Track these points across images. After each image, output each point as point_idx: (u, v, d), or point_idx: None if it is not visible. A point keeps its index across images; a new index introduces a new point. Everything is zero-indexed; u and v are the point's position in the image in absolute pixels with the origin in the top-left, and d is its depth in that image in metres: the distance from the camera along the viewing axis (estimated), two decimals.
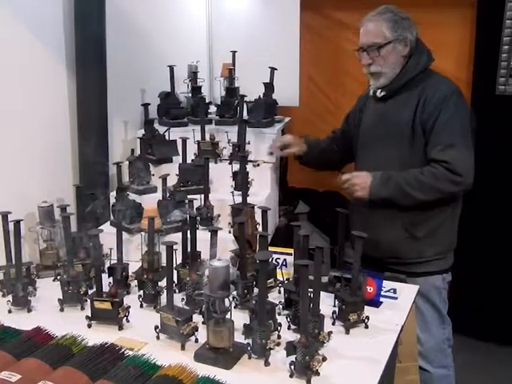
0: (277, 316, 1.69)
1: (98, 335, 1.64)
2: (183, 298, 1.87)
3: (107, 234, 2.07)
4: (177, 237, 2.02)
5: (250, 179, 2.36)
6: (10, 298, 1.87)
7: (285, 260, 2.06)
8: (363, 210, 2.31)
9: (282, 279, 1.97)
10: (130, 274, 2.02)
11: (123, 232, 2.09)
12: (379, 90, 2.34)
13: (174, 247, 1.72)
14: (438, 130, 2.17)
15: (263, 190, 2.52)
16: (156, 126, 2.75)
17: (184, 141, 2.48)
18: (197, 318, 1.70)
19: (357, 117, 2.53)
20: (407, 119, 2.23)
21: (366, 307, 1.77)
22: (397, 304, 1.89)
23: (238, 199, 2.29)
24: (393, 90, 2.30)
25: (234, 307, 1.78)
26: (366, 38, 2.28)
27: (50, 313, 1.85)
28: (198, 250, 1.96)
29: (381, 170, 2.24)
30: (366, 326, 1.74)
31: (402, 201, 2.20)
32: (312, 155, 2.67)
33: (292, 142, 2.65)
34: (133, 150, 2.62)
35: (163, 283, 1.80)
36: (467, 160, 2.16)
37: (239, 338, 1.59)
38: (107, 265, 2.06)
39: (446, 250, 2.35)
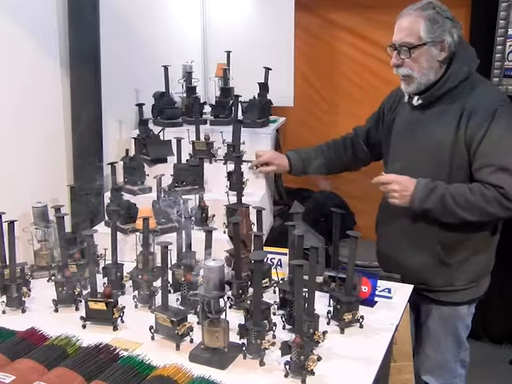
0: (272, 316, 1.69)
1: (92, 336, 1.64)
2: (178, 299, 1.87)
3: (102, 234, 2.06)
4: (172, 237, 2.02)
5: (244, 179, 2.35)
6: (4, 298, 1.87)
7: (280, 260, 2.06)
8: (391, 230, 2.18)
9: (276, 279, 1.97)
10: (124, 274, 2.01)
11: (118, 232, 2.09)
12: (416, 97, 2.11)
13: (169, 247, 1.72)
14: (487, 149, 1.95)
15: (258, 190, 2.52)
16: (150, 126, 2.75)
17: (178, 141, 2.48)
18: (192, 319, 1.70)
19: (388, 116, 2.31)
20: (448, 133, 2.01)
21: (360, 307, 1.77)
22: (391, 303, 1.90)
23: (233, 199, 2.29)
24: (431, 98, 2.07)
25: (229, 307, 1.78)
26: (398, 36, 2.04)
27: (45, 313, 1.84)
28: (192, 250, 1.96)
29: None
30: (361, 326, 1.74)
31: (443, 216, 2.00)
32: (309, 169, 2.47)
33: (271, 158, 2.47)
34: (127, 150, 2.62)
35: (158, 283, 1.80)
36: None
37: (234, 338, 1.59)
38: (102, 265, 2.06)
39: (478, 278, 2.17)
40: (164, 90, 2.82)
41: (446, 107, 2.05)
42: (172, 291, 1.94)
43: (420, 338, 2.27)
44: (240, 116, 2.73)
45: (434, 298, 2.17)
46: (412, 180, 2.02)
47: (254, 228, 2.09)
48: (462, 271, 2.11)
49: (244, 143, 2.57)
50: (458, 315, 2.19)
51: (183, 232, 1.94)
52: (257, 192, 2.49)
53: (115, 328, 1.73)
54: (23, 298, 1.87)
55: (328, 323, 1.76)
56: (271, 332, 1.63)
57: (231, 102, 2.77)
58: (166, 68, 2.79)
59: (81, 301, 1.84)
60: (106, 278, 2.01)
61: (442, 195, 1.97)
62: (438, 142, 2.03)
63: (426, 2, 2.02)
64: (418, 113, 2.13)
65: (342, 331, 1.72)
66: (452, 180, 2.02)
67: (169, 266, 1.81)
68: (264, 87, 2.76)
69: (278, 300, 1.84)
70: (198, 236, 2.01)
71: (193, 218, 2.20)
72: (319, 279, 1.94)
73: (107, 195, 2.44)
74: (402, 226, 2.15)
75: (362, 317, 1.75)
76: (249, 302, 1.74)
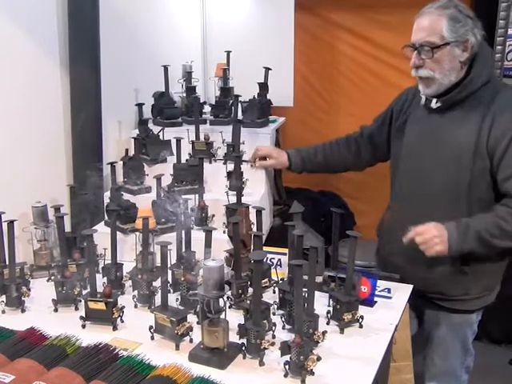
0: (271, 316, 1.69)
1: (92, 335, 1.64)
2: (178, 298, 1.87)
3: (101, 234, 2.06)
4: (171, 237, 2.02)
5: (244, 179, 2.36)
6: (3, 298, 1.86)
7: (279, 260, 2.06)
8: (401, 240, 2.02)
9: (276, 279, 1.97)
10: (124, 274, 2.01)
11: (117, 232, 2.09)
12: (434, 100, 2.01)
13: (169, 247, 1.72)
14: (511, 160, 1.89)
15: (258, 189, 2.52)
16: (150, 125, 2.75)
17: (178, 141, 2.48)
18: (191, 318, 1.70)
19: (399, 118, 2.22)
20: (468, 140, 1.94)
21: (360, 307, 1.77)
22: (391, 303, 1.90)
23: (233, 199, 2.28)
24: (451, 102, 1.98)
25: (229, 307, 1.78)
26: (418, 35, 1.93)
27: (44, 313, 1.84)
28: (192, 250, 1.96)
29: (430, 192, 2.02)
30: (361, 326, 1.74)
31: (484, 251, 1.93)
32: (309, 166, 2.46)
33: (271, 153, 2.45)
34: (127, 150, 2.61)
35: (158, 283, 1.80)
36: None
37: (234, 337, 1.59)
38: (101, 265, 2.06)
39: (493, 286, 2.14)
40: (164, 90, 2.82)
41: (467, 111, 1.97)
42: (172, 291, 1.94)
43: (427, 344, 2.24)
44: (240, 116, 2.73)
45: (446, 306, 2.12)
46: (440, 225, 1.92)
47: (254, 228, 2.10)
48: (478, 279, 2.06)
49: (244, 143, 2.57)
50: (469, 323, 2.17)
51: (183, 232, 1.94)
52: (256, 192, 2.49)
53: (115, 328, 1.73)
54: (23, 298, 1.87)
55: (328, 323, 1.76)
56: (271, 332, 1.63)
57: (231, 101, 2.77)
58: (165, 68, 2.79)
59: (80, 300, 1.84)
60: (105, 278, 2.01)
61: (476, 232, 1.90)
62: (460, 147, 1.96)
63: (447, 0, 1.94)
64: (437, 116, 2.04)
65: (342, 331, 1.72)
66: (473, 186, 1.97)
67: (168, 265, 1.81)
68: (264, 87, 2.76)
69: (277, 300, 1.84)
70: (197, 236, 2.01)
71: (192, 218, 2.20)
72: (319, 279, 1.94)
73: (107, 195, 2.44)
74: (414, 246, 1.99)
75: (362, 317, 1.75)
76: (248, 301, 1.74)
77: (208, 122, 2.78)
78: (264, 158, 2.47)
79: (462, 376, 2.25)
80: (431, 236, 1.90)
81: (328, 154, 2.45)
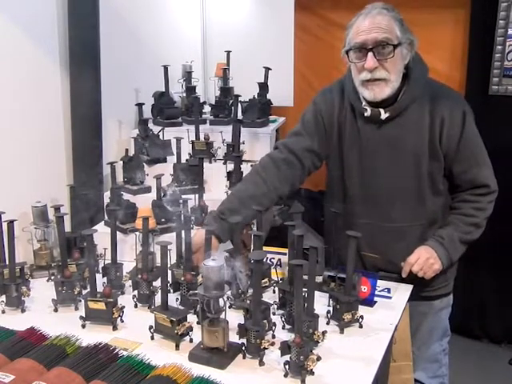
0: (271, 316, 1.69)
1: (92, 335, 1.64)
2: (178, 298, 1.87)
3: (101, 233, 2.07)
4: (171, 237, 2.02)
5: None
6: (3, 298, 1.86)
7: (279, 260, 2.06)
8: (367, 227, 2.04)
9: (276, 279, 1.97)
10: (124, 274, 2.01)
11: (117, 232, 2.09)
12: (382, 111, 1.93)
13: (169, 247, 1.72)
14: (466, 152, 1.97)
15: None
16: (150, 125, 2.75)
17: (178, 141, 2.48)
18: (191, 318, 1.70)
19: (330, 130, 2.09)
20: (423, 144, 1.96)
21: (360, 307, 1.77)
22: (391, 303, 1.90)
23: None
24: (399, 109, 1.94)
25: (229, 307, 1.78)
26: (375, 34, 1.83)
27: (44, 313, 1.84)
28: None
29: (397, 200, 2.02)
30: (361, 326, 1.74)
31: (469, 246, 2.05)
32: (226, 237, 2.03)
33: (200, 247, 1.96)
34: (127, 150, 2.62)
35: (158, 283, 1.80)
36: (492, 171, 2.03)
37: (234, 337, 1.59)
38: (101, 265, 2.06)
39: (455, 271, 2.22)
40: (164, 90, 2.82)
41: (414, 116, 1.95)
42: (172, 291, 1.94)
43: (413, 337, 2.24)
44: (240, 116, 2.73)
45: (427, 295, 2.14)
46: (424, 247, 1.99)
47: (254, 228, 2.09)
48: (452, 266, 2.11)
49: (244, 143, 2.58)
50: (448, 304, 2.23)
51: (183, 232, 1.94)
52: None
53: (115, 328, 1.73)
54: (23, 298, 1.87)
55: (327, 323, 1.76)
56: (271, 332, 1.63)
57: (231, 101, 2.78)
58: (165, 68, 2.79)
59: (80, 300, 1.84)
60: (105, 278, 2.01)
61: (459, 239, 2.01)
62: (416, 152, 1.97)
63: (382, 4, 1.90)
64: (388, 126, 1.97)
65: (342, 331, 1.72)
66: (433, 186, 2.02)
67: (168, 265, 1.81)
68: (264, 87, 2.77)
69: (277, 300, 1.84)
70: None
71: (192, 218, 2.20)
72: (319, 279, 1.94)
73: (107, 195, 2.44)
74: (380, 234, 2.07)
75: (362, 317, 1.75)
76: (248, 301, 1.74)
77: (208, 121, 2.78)
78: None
79: (443, 359, 2.29)
80: (425, 259, 1.96)
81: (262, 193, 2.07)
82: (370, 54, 1.84)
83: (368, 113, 1.96)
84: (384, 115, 1.94)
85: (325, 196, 2.31)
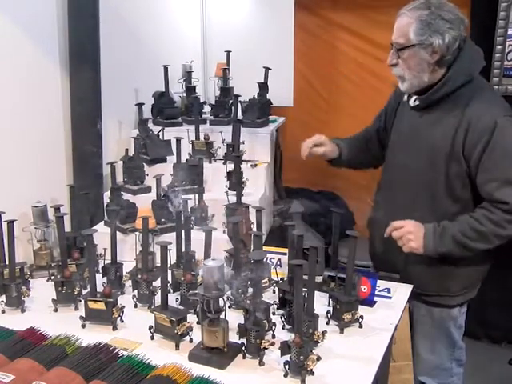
0: (271, 316, 1.69)
1: (91, 335, 1.64)
2: (177, 298, 1.87)
3: (101, 233, 2.06)
4: (171, 237, 2.02)
5: (244, 179, 2.35)
6: (3, 298, 1.86)
7: (279, 260, 2.06)
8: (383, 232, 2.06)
9: (276, 279, 1.97)
10: (124, 274, 2.02)
11: (117, 232, 2.09)
12: (413, 98, 2.06)
13: (169, 247, 1.72)
14: (490, 163, 1.90)
15: (258, 189, 2.52)
16: (150, 125, 2.75)
17: (178, 140, 2.48)
18: (191, 318, 1.70)
19: (392, 116, 2.27)
20: (443, 143, 1.97)
21: (360, 307, 1.77)
22: (391, 303, 1.90)
23: (233, 199, 2.29)
24: (428, 101, 2.01)
25: (229, 307, 1.78)
26: (393, 35, 2.00)
27: (44, 313, 1.84)
28: (192, 249, 1.96)
29: (408, 190, 2.07)
30: (361, 326, 1.74)
31: (461, 253, 1.97)
32: (344, 158, 2.39)
33: (324, 141, 2.35)
34: (127, 150, 2.62)
35: (157, 283, 1.80)
36: None
37: (233, 337, 1.59)
38: (101, 265, 2.06)
39: (475, 283, 2.16)
40: (164, 90, 2.82)
41: (443, 114, 1.99)
42: (171, 291, 1.93)
43: (413, 339, 2.24)
44: (240, 116, 2.73)
45: (427, 300, 2.15)
46: (418, 224, 1.98)
47: (254, 228, 2.09)
48: (457, 279, 2.09)
49: (243, 143, 2.57)
50: (451, 317, 2.18)
51: (183, 232, 1.94)
52: (256, 192, 2.49)
53: (114, 328, 1.73)
54: (23, 298, 1.87)
55: (327, 323, 1.76)
56: (270, 332, 1.63)
57: (231, 101, 2.77)
58: (165, 68, 2.79)
59: (80, 300, 1.84)
60: (105, 278, 2.01)
61: (452, 236, 1.94)
62: (435, 149, 1.99)
63: (424, 1, 1.94)
64: (416, 116, 2.08)
65: (342, 331, 1.72)
66: (450, 189, 2.00)
67: (168, 265, 1.81)
68: (264, 87, 2.76)
69: (277, 300, 1.84)
70: (197, 236, 2.01)
71: (192, 218, 2.20)
72: (319, 279, 1.94)
73: (107, 195, 2.44)
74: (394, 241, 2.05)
75: (362, 317, 1.75)
76: (248, 301, 1.74)
77: (208, 121, 2.78)
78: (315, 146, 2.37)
79: (454, 369, 2.26)
80: (405, 232, 1.97)
81: (356, 149, 2.42)
82: (392, 51, 2.02)
83: (405, 97, 2.13)
84: (413, 103, 2.07)
85: None
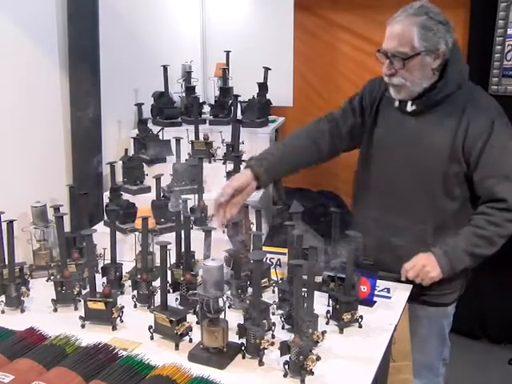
0: (271, 316, 1.69)
1: (91, 335, 1.64)
2: (177, 298, 1.87)
3: (101, 234, 2.06)
4: (171, 237, 2.02)
5: None
6: (3, 298, 1.86)
7: (279, 260, 2.06)
8: (379, 232, 2.08)
9: (276, 279, 1.97)
10: (123, 274, 2.01)
11: (117, 232, 2.09)
12: (409, 103, 2.01)
13: (168, 247, 1.72)
14: (489, 160, 1.91)
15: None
16: (150, 125, 2.75)
17: (178, 140, 2.48)
18: (191, 318, 1.70)
19: (372, 112, 2.16)
20: (444, 144, 1.96)
21: (359, 306, 1.77)
22: (390, 303, 1.90)
23: None
24: (426, 104, 1.98)
25: (228, 307, 1.78)
26: (390, 44, 1.91)
27: (44, 313, 1.84)
28: (191, 249, 1.96)
29: (405, 195, 2.04)
30: (360, 326, 1.74)
31: (475, 264, 1.97)
32: (269, 180, 2.18)
33: (239, 187, 2.07)
34: (126, 150, 2.62)
35: (157, 283, 1.80)
36: None
37: (233, 337, 1.59)
38: (101, 265, 2.05)
39: (466, 279, 2.17)
40: (163, 90, 2.82)
41: (441, 115, 1.98)
42: (171, 291, 1.93)
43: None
44: (239, 116, 2.73)
45: (421, 299, 2.11)
46: (425, 254, 1.96)
47: (253, 228, 2.09)
48: (451, 279, 2.05)
49: (243, 143, 2.57)
50: (445, 315, 2.19)
51: (182, 232, 1.94)
52: (256, 192, 2.48)
53: (114, 328, 1.73)
54: (22, 298, 1.87)
55: (327, 323, 1.76)
56: (270, 332, 1.63)
57: (230, 101, 2.78)
58: (165, 68, 2.79)
59: (80, 300, 1.84)
60: (105, 278, 2.00)
61: (464, 250, 1.94)
62: (435, 150, 1.98)
63: (418, 6, 1.90)
64: (412, 119, 2.03)
65: (341, 331, 1.72)
66: (448, 188, 2.00)
67: (168, 265, 1.81)
68: (263, 87, 2.76)
69: (277, 300, 1.84)
70: (197, 236, 2.00)
71: (192, 218, 2.20)
72: (318, 279, 1.94)
73: (106, 195, 2.44)
74: (389, 236, 2.08)
75: (361, 317, 1.75)
76: (248, 301, 1.74)
77: (207, 121, 2.78)
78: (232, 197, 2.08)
79: (440, 369, 2.27)
80: (420, 267, 1.94)
81: (298, 153, 2.20)
82: (387, 62, 1.93)
83: (396, 104, 2.06)
84: (410, 108, 2.01)
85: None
